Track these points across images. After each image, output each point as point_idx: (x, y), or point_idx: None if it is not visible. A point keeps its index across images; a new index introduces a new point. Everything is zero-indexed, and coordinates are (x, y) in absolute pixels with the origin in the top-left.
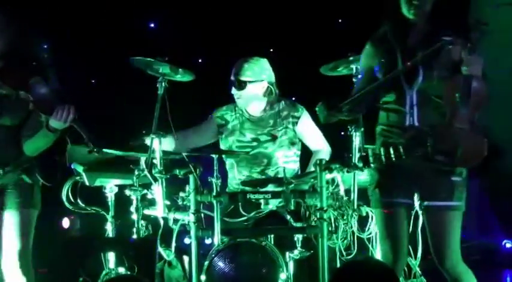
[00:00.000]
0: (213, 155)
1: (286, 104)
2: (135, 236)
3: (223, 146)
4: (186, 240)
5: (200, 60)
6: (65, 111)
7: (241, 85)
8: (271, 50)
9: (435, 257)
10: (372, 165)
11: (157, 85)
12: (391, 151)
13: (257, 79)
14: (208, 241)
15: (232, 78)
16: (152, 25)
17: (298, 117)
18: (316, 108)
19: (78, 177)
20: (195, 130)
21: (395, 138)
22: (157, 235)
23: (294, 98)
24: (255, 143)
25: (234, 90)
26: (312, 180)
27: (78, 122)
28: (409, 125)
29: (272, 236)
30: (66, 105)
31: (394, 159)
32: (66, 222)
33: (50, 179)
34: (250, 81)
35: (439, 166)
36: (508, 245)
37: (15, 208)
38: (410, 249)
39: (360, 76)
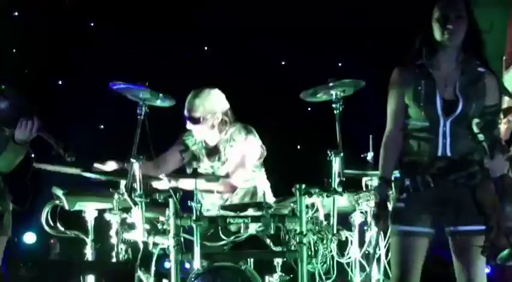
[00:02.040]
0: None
1: (236, 128)
2: (114, 260)
3: (188, 170)
4: (166, 264)
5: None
6: (29, 122)
7: (196, 121)
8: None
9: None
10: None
11: (138, 110)
12: (419, 181)
13: (210, 113)
14: (187, 265)
15: (185, 114)
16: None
17: (235, 140)
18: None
19: (57, 201)
20: (165, 155)
21: (425, 167)
22: (136, 259)
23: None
24: (210, 170)
25: (189, 125)
26: (292, 204)
27: (44, 132)
28: (442, 154)
29: (252, 260)
30: (29, 116)
31: (422, 189)
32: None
33: (21, 204)
34: (203, 117)
35: (468, 191)
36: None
37: None
38: None
39: (391, 105)
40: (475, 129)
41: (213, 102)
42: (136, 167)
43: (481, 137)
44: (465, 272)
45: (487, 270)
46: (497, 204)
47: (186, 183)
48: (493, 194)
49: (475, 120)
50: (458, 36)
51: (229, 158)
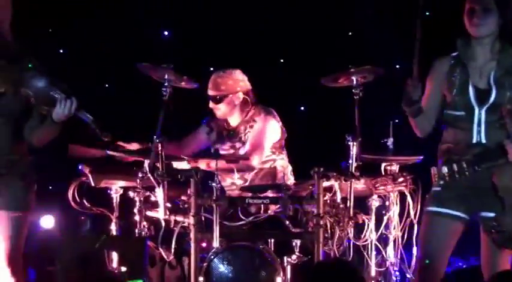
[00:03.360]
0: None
1: (257, 109)
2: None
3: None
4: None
5: (212, 69)
6: (68, 101)
7: (217, 100)
8: (282, 60)
9: (483, 268)
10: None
11: (163, 91)
12: (455, 168)
13: (232, 92)
14: (204, 244)
15: (208, 93)
16: (166, 33)
17: (255, 121)
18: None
19: (84, 178)
20: (189, 137)
21: (461, 155)
22: (158, 236)
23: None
24: (232, 151)
25: (211, 104)
26: (310, 187)
27: (81, 111)
28: (477, 142)
29: (272, 240)
30: (67, 96)
31: (457, 176)
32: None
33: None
34: (225, 95)
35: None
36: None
37: (6, 210)
38: None
39: (427, 93)
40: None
41: (235, 81)
42: (159, 147)
43: (503, 121)
44: (491, 258)
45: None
46: None
47: (205, 164)
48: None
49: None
50: (485, 28)
51: (248, 138)
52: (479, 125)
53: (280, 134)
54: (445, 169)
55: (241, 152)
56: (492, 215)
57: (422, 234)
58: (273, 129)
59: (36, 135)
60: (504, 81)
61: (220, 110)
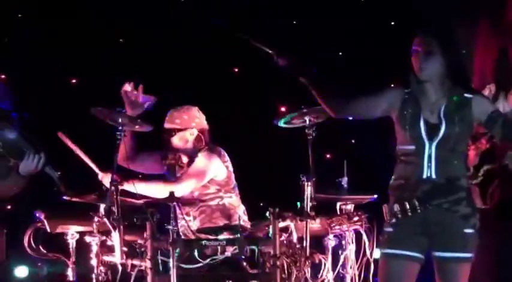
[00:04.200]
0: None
1: (205, 148)
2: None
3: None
4: None
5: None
6: (37, 156)
7: (170, 133)
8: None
9: None
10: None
11: (116, 135)
12: (407, 206)
13: (186, 127)
14: None
15: (164, 126)
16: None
17: (197, 156)
18: None
19: (39, 224)
20: (146, 154)
21: (412, 191)
22: (115, 281)
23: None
24: None
25: (165, 137)
26: (266, 227)
27: (49, 167)
28: (427, 177)
29: None
30: (36, 151)
31: (410, 214)
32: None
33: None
34: (178, 129)
35: (454, 218)
36: None
37: None
38: None
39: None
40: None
41: (190, 117)
42: (114, 191)
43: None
44: None
45: None
46: None
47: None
48: None
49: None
50: (429, 71)
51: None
52: (429, 160)
53: (225, 173)
54: (396, 207)
55: None
56: (445, 255)
57: (381, 278)
58: (214, 167)
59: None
60: (454, 115)
61: (172, 143)
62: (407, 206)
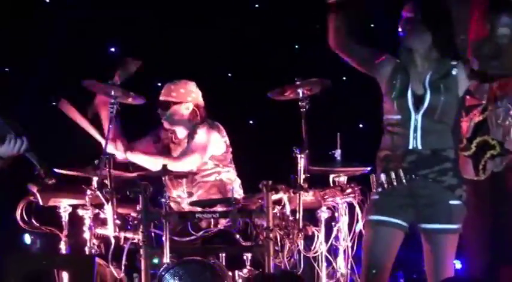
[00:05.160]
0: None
1: (202, 124)
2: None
3: None
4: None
5: (159, 84)
6: (18, 140)
7: (166, 105)
8: (229, 74)
9: (428, 278)
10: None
11: (109, 107)
12: (392, 176)
13: (181, 100)
14: (156, 260)
15: (159, 98)
16: (113, 49)
17: (197, 133)
18: None
19: (32, 197)
20: (137, 143)
21: (398, 162)
22: (108, 254)
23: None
24: None
25: (160, 111)
26: (259, 200)
27: (30, 152)
28: (413, 148)
29: (223, 255)
30: (18, 134)
31: (395, 184)
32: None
33: None
34: (174, 102)
35: (439, 189)
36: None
37: None
38: None
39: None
40: None
41: (187, 91)
42: (107, 164)
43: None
44: (434, 269)
45: (459, 265)
46: None
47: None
48: None
49: None
50: (414, 37)
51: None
52: (415, 130)
53: (224, 148)
54: (383, 177)
55: None
56: (431, 226)
57: (366, 244)
58: (214, 142)
59: None
60: (439, 84)
61: (167, 118)
62: (393, 176)
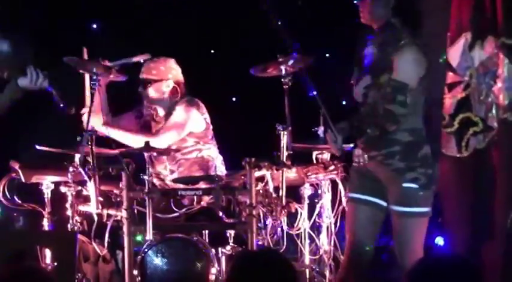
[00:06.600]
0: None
1: (181, 100)
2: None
3: None
4: None
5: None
6: (40, 74)
7: (146, 83)
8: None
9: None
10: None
11: (91, 84)
12: (359, 152)
13: (162, 78)
14: (139, 238)
15: (139, 76)
16: (94, 26)
17: (175, 110)
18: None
19: (14, 174)
20: (119, 117)
21: (359, 141)
22: (91, 231)
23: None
24: None
25: (140, 89)
26: (242, 177)
27: (50, 86)
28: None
29: (206, 232)
30: (38, 69)
31: (359, 163)
32: None
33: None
34: (155, 80)
35: (389, 172)
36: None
37: None
38: None
39: None
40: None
41: (167, 69)
42: (89, 140)
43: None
44: (397, 250)
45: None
46: None
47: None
48: None
49: None
50: (367, 15)
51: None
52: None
53: (204, 126)
54: (357, 151)
55: None
56: (392, 207)
57: (346, 220)
58: (193, 119)
59: None
60: (380, 64)
61: (148, 95)
62: (359, 153)
